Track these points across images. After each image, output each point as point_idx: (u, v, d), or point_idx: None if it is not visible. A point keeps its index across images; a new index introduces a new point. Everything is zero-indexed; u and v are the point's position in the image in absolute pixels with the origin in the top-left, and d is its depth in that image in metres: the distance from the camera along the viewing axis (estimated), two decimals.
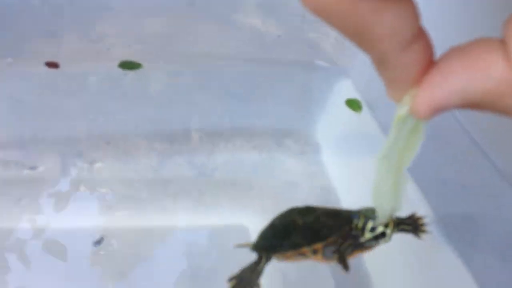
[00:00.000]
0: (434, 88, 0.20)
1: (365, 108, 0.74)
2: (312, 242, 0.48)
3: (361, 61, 0.80)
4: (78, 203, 0.66)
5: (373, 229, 0.44)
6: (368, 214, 0.45)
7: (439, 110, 0.20)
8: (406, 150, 0.27)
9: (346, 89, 0.77)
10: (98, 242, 0.62)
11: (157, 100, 0.79)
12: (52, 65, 0.76)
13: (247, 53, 0.85)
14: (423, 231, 0.50)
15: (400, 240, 0.45)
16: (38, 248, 0.61)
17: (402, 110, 0.23)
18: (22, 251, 0.60)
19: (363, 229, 0.45)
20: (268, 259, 0.51)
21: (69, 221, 0.64)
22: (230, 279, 0.49)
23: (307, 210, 0.50)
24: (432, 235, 0.53)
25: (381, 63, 0.21)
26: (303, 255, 0.49)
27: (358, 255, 0.48)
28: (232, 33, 0.88)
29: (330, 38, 0.86)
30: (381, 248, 0.51)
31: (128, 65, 0.79)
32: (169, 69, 0.81)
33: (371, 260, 0.60)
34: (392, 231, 0.43)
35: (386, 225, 0.43)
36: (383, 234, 0.43)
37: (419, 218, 0.50)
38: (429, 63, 0.21)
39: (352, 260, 0.50)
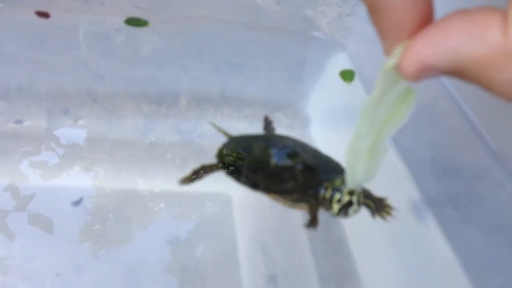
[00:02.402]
0: (425, 43, 0.19)
1: (358, 83, 0.72)
2: (270, 191, 0.47)
3: (357, 38, 0.78)
4: (59, 161, 0.65)
5: (339, 200, 0.43)
6: (336, 185, 0.43)
7: (425, 69, 0.20)
8: (391, 116, 0.26)
9: (341, 61, 0.76)
10: (77, 203, 0.61)
11: (148, 62, 0.78)
12: (43, 14, 0.74)
13: (244, 19, 0.83)
14: (386, 214, 0.49)
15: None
16: (14, 204, 0.60)
17: (389, 62, 0.22)
18: None
19: (330, 201, 0.43)
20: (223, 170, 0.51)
21: (49, 179, 0.63)
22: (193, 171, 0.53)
23: (288, 153, 0.48)
24: (418, 213, 0.52)
25: (374, 6, 0.20)
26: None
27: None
28: None
29: (327, 17, 0.84)
30: (366, 225, 0.51)
31: (135, 22, 0.77)
32: (163, 30, 0.79)
33: (354, 237, 0.59)
34: (359, 201, 0.42)
35: (351, 193, 0.42)
36: (350, 203, 0.42)
37: (387, 204, 0.49)
38: (427, 20, 0.20)
39: (331, 231, 0.49)
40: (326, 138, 0.72)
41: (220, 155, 0.53)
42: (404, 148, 0.58)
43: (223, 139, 0.72)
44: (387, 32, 0.21)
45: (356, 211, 0.43)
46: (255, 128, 0.74)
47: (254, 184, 0.49)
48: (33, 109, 0.69)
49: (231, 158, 0.52)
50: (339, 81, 0.74)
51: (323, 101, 0.76)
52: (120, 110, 0.72)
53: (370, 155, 0.28)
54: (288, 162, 0.47)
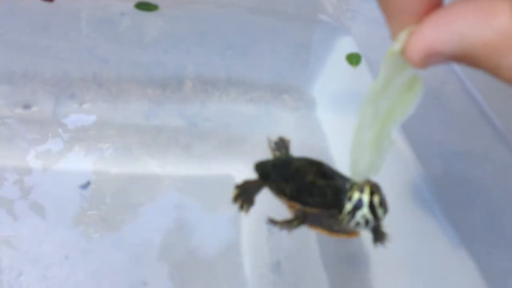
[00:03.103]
0: (431, 28, 0.19)
1: (364, 67, 0.72)
2: (292, 198, 0.48)
3: (363, 20, 0.78)
4: (66, 145, 0.65)
5: (350, 198, 0.43)
6: (355, 185, 0.43)
7: (432, 54, 0.19)
8: (397, 106, 0.25)
9: (346, 45, 0.75)
10: (84, 186, 0.62)
11: (153, 46, 0.77)
12: None
13: (249, 3, 0.82)
14: (381, 239, 0.49)
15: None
16: (21, 188, 0.60)
17: (394, 47, 0.21)
18: (5, 190, 0.59)
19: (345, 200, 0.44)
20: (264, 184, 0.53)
21: (55, 163, 0.63)
22: (236, 187, 0.54)
23: (319, 171, 0.51)
24: (423, 196, 0.52)
25: None
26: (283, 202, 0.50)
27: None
28: None
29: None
30: None
31: (145, 7, 0.76)
32: (168, 14, 0.79)
33: None
34: (372, 200, 0.42)
35: (361, 191, 0.42)
36: (360, 202, 0.42)
37: (383, 233, 0.49)
38: (435, 5, 0.20)
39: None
40: (332, 121, 0.72)
41: (259, 166, 0.57)
42: (411, 131, 0.58)
43: (229, 123, 0.72)
44: (393, 16, 0.21)
45: (366, 220, 0.43)
46: (261, 111, 0.74)
47: (280, 191, 0.51)
48: (39, 94, 0.69)
49: (269, 167, 0.56)
50: (345, 64, 0.73)
51: (329, 84, 0.76)
52: (125, 94, 0.72)
53: (374, 147, 0.27)
54: (321, 181, 0.50)
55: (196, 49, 0.77)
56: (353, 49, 0.74)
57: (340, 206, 0.44)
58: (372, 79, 0.68)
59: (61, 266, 0.54)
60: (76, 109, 0.69)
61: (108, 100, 0.71)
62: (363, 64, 0.72)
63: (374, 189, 0.42)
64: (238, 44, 0.79)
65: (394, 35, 0.21)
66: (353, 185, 0.43)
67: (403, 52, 0.21)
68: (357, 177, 0.29)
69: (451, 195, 0.53)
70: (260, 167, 0.56)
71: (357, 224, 0.43)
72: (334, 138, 0.69)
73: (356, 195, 0.42)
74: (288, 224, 0.48)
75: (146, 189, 0.62)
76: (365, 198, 0.42)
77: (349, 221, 0.43)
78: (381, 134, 0.26)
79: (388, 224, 0.47)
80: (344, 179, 0.50)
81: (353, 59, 0.73)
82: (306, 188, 0.50)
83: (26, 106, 0.68)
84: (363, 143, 0.26)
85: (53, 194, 0.60)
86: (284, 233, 0.46)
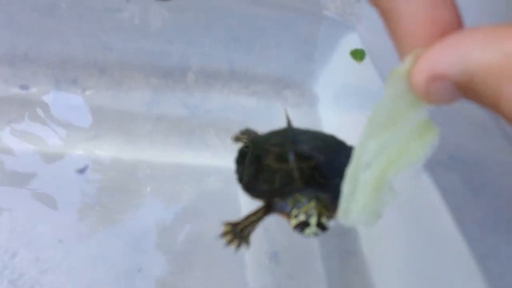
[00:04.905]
0: (439, 50, 0.18)
1: (369, 63, 0.71)
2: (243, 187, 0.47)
3: (368, 16, 0.77)
4: (65, 130, 0.65)
5: (297, 216, 0.41)
6: (299, 199, 0.41)
7: (435, 77, 0.18)
8: (405, 150, 0.21)
9: (351, 41, 0.75)
10: (82, 171, 0.61)
11: (157, 35, 0.77)
12: None
13: None
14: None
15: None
16: (18, 171, 0.60)
17: (401, 67, 0.19)
18: (4, 171, 0.59)
19: (290, 213, 0.41)
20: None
21: (54, 147, 0.63)
22: (224, 233, 0.46)
23: (283, 151, 0.47)
24: (429, 198, 0.51)
25: (387, 13, 0.19)
26: None
27: None
28: None
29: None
30: None
31: None
32: (174, 4, 0.78)
33: None
34: (322, 223, 0.39)
35: (310, 214, 0.40)
36: (307, 223, 0.40)
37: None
38: (450, 28, 0.19)
39: None
40: (334, 118, 0.71)
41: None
42: None
43: (230, 116, 0.72)
44: (401, 40, 0.20)
45: (315, 234, 0.40)
46: (262, 105, 0.73)
47: (240, 177, 0.48)
48: (40, 76, 0.69)
49: (245, 146, 0.53)
50: (350, 61, 0.73)
51: (332, 80, 0.76)
52: (128, 81, 0.71)
53: (372, 193, 0.22)
54: (276, 164, 0.46)
55: (200, 40, 0.77)
56: (358, 45, 0.74)
57: (288, 194, 0.42)
58: (377, 75, 0.68)
59: (56, 250, 0.53)
60: (78, 94, 0.69)
61: (110, 87, 0.70)
62: (367, 60, 0.72)
63: (321, 210, 0.40)
64: (242, 37, 0.79)
65: (400, 56, 0.20)
66: (296, 202, 0.41)
67: (408, 75, 0.19)
68: (346, 223, 0.24)
69: (446, 172, 0.53)
70: (241, 151, 0.53)
71: (307, 235, 0.41)
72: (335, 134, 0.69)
73: (302, 217, 0.40)
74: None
75: (145, 177, 0.62)
76: (313, 220, 0.40)
77: (295, 230, 0.41)
78: (382, 179, 0.22)
79: (388, 219, 0.47)
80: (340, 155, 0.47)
81: (358, 54, 0.73)
82: (259, 173, 0.46)
83: (25, 87, 0.68)
84: (359, 184, 0.23)
85: (50, 178, 0.60)
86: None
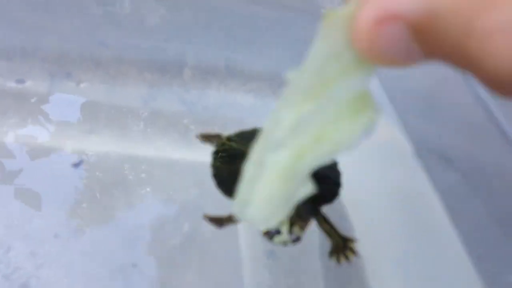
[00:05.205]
0: None
1: None
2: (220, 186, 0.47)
3: None
4: (60, 123, 0.64)
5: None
6: None
7: (385, 20, 0.14)
8: (331, 129, 0.16)
9: None
10: (77, 165, 0.61)
11: (154, 31, 0.77)
12: None
13: None
14: (345, 258, 0.47)
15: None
16: (12, 164, 0.59)
17: (340, 10, 0.15)
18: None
19: None
20: None
21: (48, 141, 0.62)
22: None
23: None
24: (412, 166, 0.51)
25: None
26: None
27: None
28: None
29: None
30: (368, 198, 0.50)
31: None
32: (171, 1, 0.78)
33: (355, 210, 0.59)
34: (293, 232, 0.38)
35: (281, 223, 0.38)
36: (277, 231, 0.38)
37: (352, 246, 0.48)
38: None
39: None
40: None
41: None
42: (410, 129, 0.58)
43: (227, 113, 0.72)
44: None
45: (285, 243, 0.39)
46: (259, 103, 0.73)
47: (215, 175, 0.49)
48: (35, 71, 0.69)
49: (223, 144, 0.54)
50: None
51: None
52: (123, 76, 0.71)
53: (280, 182, 0.17)
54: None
55: (197, 37, 0.76)
56: None
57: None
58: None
59: (51, 245, 0.53)
60: (73, 87, 0.68)
61: (105, 81, 0.70)
62: None
63: (294, 219, 0.39)
64: (239, 35, 0.79)
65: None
66: None
67: (352, 18, 0.14)
68: (241, 215, 0.18)
69: (438, 165, 0.53)
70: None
71: (276, 244, 0.40)
72: None
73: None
74: (221, 220, 0.45)
75: (140, 172, 0.62)
76: (284, 229, 0.39)
77: (267, 239, 0.40)
78: (295, 166, 0.17)
79: (385, 213, 0.47)
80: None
81: None
82: (233, 174, 0.46)
83: (21, 81, 0.67)
84: (264, 167, 0.17)
85: (45, 172, 0.59)
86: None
